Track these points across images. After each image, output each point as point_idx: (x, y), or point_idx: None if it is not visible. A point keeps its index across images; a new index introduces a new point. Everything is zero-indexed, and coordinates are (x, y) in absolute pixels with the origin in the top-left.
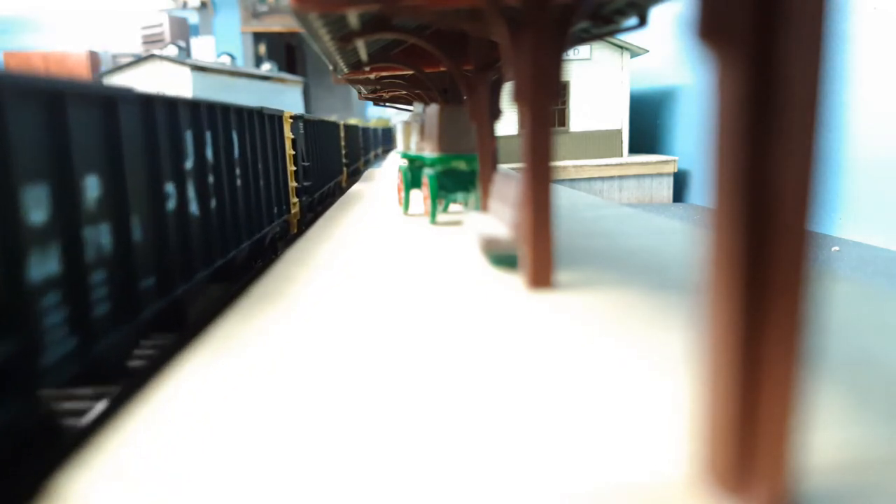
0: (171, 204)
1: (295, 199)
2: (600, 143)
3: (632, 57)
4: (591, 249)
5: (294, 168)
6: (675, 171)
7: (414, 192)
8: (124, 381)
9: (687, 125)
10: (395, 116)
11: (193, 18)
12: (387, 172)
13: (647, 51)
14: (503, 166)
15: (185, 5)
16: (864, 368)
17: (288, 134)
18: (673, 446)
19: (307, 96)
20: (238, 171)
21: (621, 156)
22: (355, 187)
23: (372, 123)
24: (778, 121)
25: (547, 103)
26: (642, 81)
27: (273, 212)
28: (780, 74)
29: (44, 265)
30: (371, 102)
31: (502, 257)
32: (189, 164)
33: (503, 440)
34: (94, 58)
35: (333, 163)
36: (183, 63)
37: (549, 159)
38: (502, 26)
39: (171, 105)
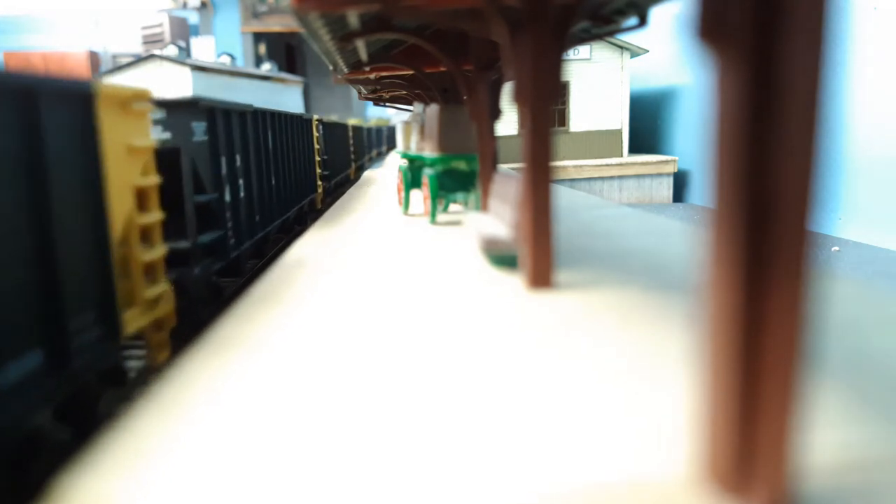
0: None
1: (320, 182)
2: (600, 143)
3: (632, 57)
4: (591, 249)
5: (319, 159)
6: (675, 171)
7: (414, 192)
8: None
9: (687, 125)
10: (395, 116)
11: (193, 18)
12: (386, 173)
13: (647, 51)
14: (503, 166)
15: (185, 5)
16: (863, 368)
17: (315, 133)
18: (673, 446)
19: (307, 96)
20: (292, 158)
21: (621, 156)
22: (354, 189)
23: (372, 123)
24: (778, 121)
25: (547, 103)
26: (642, 81)
27: (308, 188)
28: (780, 74)
29: None
30: (371, 102)
31: (502, 257)
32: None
33: (503, 439)
34: (94, 58)
35: (344, 158)
36: (183, 63)
37: (549, 159)
38: (502, 26)
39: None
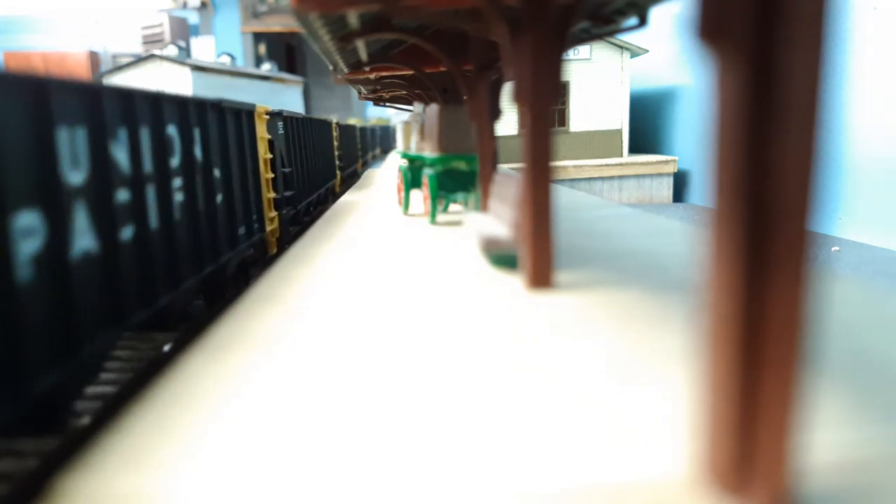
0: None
1: (273, 213)
2: (600, 143)
3: (632, 57)
4: (591, 249)
5: (271, 175)
6: (675, 171)
7: (414, 192)
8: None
9: (687, 125)
10: (395, 116)
11: (193, 18)
12: (386, 173)
13: (647, 51)
14: (503, 166)
15: (185, 5)
16: (864, 368)
17: (262, 134)
18: (673, 446)
19: (307, 96)
20: (179, 184)
21: (621, 156)
22: (353, 191)
23: (372, 123)
24: (778, 121)
25: (547, 103)
26: (642, 81)
27: (237, 233)
28: (780, 74)
29: None
30: (371, 102)
31: (502, 257)
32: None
33: (503, 439)
34: (94, 58)
35: (325, 167)
36: (183, 63)
37: (549, 159)
38: (502, 26)
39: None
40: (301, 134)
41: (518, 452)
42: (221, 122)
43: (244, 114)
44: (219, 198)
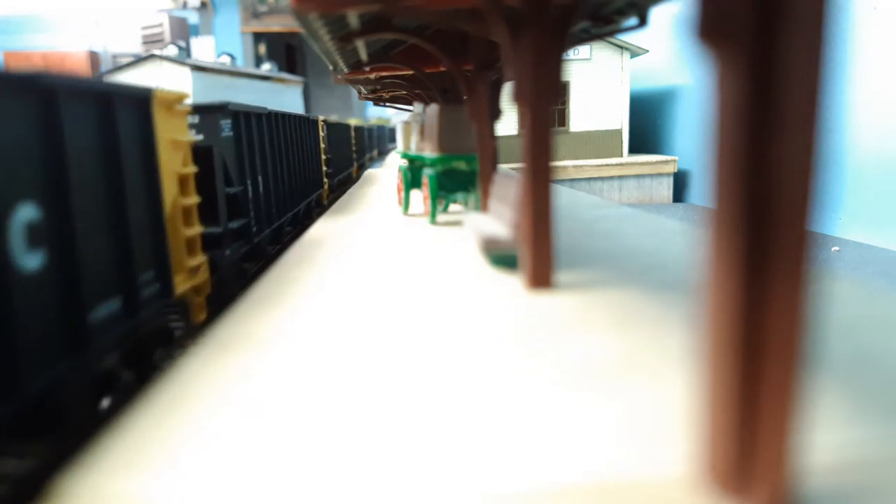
0: None
1: (198, 260)
2: (600, 143)
3: (632, 57)
4: (591, 249)
5: (195, 201)
6: (675, 171)
7: (414, 192)
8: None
9: (687, 125)
10: (395, 116)
11: (193, 18)
12: (386, 172)
13: (647, 51)
14: (503, 166)
15: (185, 5)
16: (864, 368)
17: (175, 136)
18: (673, 446)
19: (307, 96)
20: None
21: (621, 156)
22: (353, 190)
23: (371, 122)
24: (778, 121)
25: (547, 103)
26: (642, 81)
27: (90, 320)
28: (781, 74)
29: None
30: (371, 102)
31: (502, 257)
32: None
33: (503, 439)
34: (94, 58)
35: (307, 177)
36: (183, 63)
37: (549, 159)
38: (502, 26)
39: None
40: (267, 136)
41: (518, 452)
42: (49, 116)
43: (120, 102)
44: (33, 261)
